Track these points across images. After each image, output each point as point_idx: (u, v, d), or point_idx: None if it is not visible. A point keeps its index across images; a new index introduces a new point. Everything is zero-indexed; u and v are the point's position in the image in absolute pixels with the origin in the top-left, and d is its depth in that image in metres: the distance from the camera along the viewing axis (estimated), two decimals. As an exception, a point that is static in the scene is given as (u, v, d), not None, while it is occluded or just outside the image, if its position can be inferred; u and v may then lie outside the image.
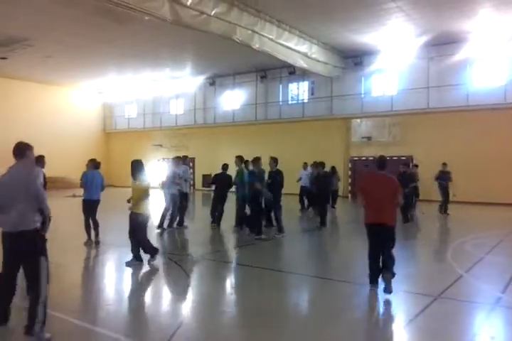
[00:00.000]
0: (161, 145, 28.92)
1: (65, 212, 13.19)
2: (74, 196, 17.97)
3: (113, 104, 32.40)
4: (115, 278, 6.82)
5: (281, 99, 24.33)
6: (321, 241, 10.24)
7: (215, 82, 26.31)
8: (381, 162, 5.86)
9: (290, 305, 5.41)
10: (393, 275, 5.52)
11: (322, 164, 12.06)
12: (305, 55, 17.74)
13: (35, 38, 18.38)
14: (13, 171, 4.21)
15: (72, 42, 18.87)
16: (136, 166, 7.20)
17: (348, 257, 8.37)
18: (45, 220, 4.19)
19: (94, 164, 9.05)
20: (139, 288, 6.31)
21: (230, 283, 6.57)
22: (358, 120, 21.40)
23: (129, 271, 7.00)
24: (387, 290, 5.41)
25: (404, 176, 11.88)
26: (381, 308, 5.40)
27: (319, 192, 11.88)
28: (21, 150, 4.29)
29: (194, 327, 4.61)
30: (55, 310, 4.88)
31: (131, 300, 5.62)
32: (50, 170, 14.39)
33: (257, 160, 10.09)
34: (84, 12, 14.66)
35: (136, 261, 7.04)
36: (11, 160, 4.20)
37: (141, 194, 7.04)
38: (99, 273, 7.24)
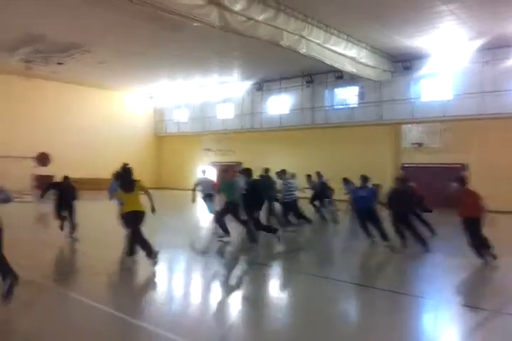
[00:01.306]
0: (209, 149, 29.40)
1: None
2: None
3: (164, 109, 33.32)
4: (166, 277, 6.96)
5: (328, 104, 24.13)
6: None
7: (262, 87, 26.49)
8: (462, 180, 8.25)
9: (341, 315, 5.26)
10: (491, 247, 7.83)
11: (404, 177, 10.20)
12: (353, 59, 17.50)
13: (90, 44, 19.22)
14: None
15: (125, 48, 19.59)
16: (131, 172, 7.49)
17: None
18: None
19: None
20: (190, 287, 6.40)
21: (285, 289, 6.50)
22: (409, 125, 20.85)
23: (179, 269, 7.16)
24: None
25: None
26: (437, 321, 5.19)
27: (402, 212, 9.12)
28: None
29: (243, 332, 4.60)
30: (105, 305, 5.08)
31: (182, 300, 5.73)
32: (103, 171, 15.02)
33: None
34: (137, 19, 15.15)
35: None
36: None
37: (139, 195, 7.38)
38: (149, 271, 7.40)
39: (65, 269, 7.33)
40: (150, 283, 6.61)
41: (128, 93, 31.41)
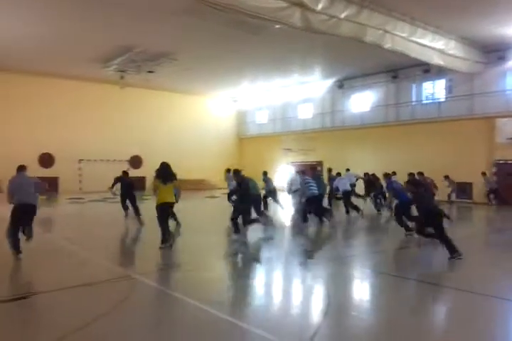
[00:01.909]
0: (290, 149, 29.57)
1: (207, 211, 14.16)
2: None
3: (246, 111, 34.07)
4: (256, 273, 7.17)
5: (414, 99, 23.25)
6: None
7: (343, 85, 26.14)
8: None
9: (428, 319, 5.11)
10: None
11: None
12: (441, 51, 16.73)
13: (177, 52, 20.21)
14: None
15: (209, 53, 20.30)
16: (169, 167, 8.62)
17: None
18: None
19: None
20: (274, 285, 6.55)
21: (372, 290, 6.40)
22: (505, 119, 19.48)
23: (262, 267, 7.33)
24: None
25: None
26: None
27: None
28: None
29: (329, 335, 4.51)
30: (193, 298, 5.33)
31: (268, 297, 5.82)
32: (190, 173, 15.86)
33: None
34: (219, 25, 15.69)
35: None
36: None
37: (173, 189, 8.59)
38: (236, 267, 7.70)
39: (158, 265, 7.71)
40: (239, 280, 6.81)
41: (212, 97, 32.53)
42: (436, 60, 16.87)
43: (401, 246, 9.49)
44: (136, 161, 27.50)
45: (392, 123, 23.79)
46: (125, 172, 13.67)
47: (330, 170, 17.84)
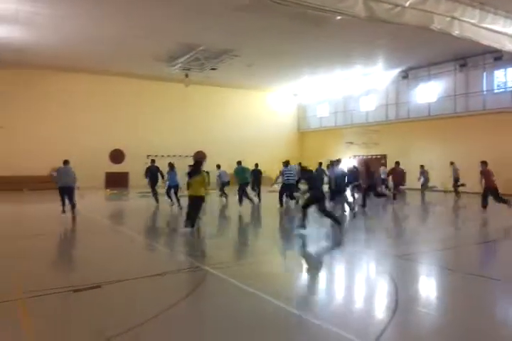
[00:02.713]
0: (351, 143, 29.12)
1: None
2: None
3: (306, 105, 33.95)
4: (322, 266, 7.24)
5: (485, 89, 22.08)
6: None
7: (408, 76, 25.33)
8: (484, 162, 12.45)
9: (497, 320, 4.95)
10: None
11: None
12: (515, 36, 15.78)
13: (238, 48, 20.49)
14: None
15: (270, 48, 20.41)
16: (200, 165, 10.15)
17: None
18: None
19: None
20: (344, 278, 6.58)
21: (441, 287, 6.24)
22: None
23: (334, 260, 7.37)
24: None
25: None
26: None
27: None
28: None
29: (397, 332, 4.38)
30: (259, 291, 5.39)
31: (338, 291, 5.86)
32: (250, 167, 16.23)
33: None
34: (281, 19, 15.72)
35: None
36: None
37: (203, 183, 9.67)
38: (305, 260, 7.78)
39: (225, 257, 7.91)
40: (305, 274, 6.89)
41: (273, 92, 32.71)
42: (509, 46, 15.91)
43: (475, 242, 9.15)
44: (200, 156, 28.23)
45: (461, 114, 22.77)
46: (152, 161, 16.13)
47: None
